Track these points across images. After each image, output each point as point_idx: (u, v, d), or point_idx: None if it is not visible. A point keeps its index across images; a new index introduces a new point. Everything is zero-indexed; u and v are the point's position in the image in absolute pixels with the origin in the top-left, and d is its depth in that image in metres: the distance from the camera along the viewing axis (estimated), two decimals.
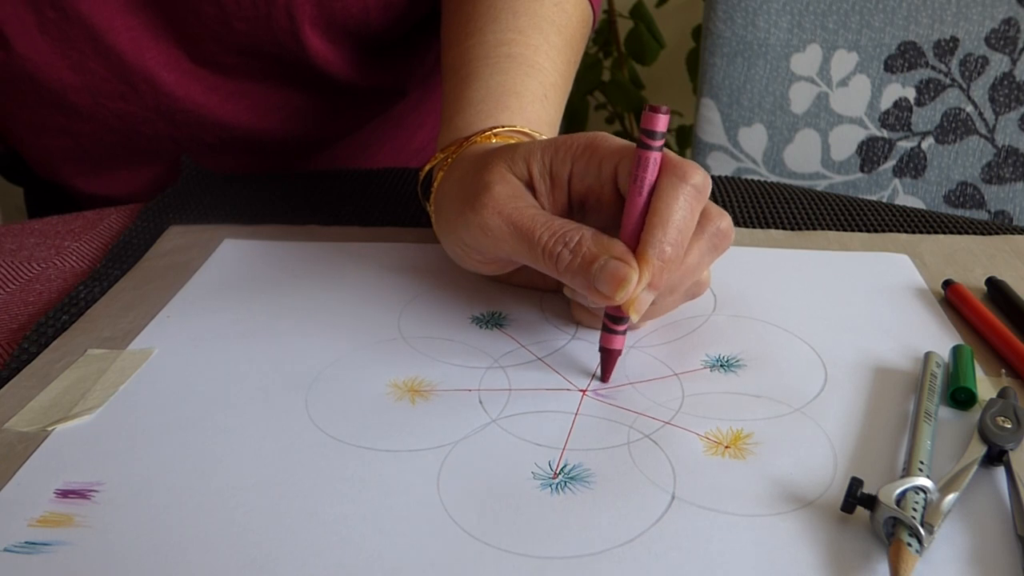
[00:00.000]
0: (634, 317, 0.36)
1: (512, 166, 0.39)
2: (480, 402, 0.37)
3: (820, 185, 0.91)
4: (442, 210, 0.43)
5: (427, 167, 0.46)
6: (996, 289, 0.44)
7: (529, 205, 0.38)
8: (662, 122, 0.36)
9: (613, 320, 0.38)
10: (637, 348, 0.41)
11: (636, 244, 0.36)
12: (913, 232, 0.52)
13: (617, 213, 0.38)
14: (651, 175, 0.36)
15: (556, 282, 0.44)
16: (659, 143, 0.36)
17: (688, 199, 0.36)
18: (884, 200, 0.88)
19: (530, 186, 0.39)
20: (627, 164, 0.37)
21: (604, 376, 0.38)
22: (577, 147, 0.39)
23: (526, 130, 0.46)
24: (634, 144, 0.37)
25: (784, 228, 0.53)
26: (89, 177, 0.72)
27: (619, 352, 0.38)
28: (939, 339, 0.41)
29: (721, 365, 0.39)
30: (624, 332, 0.38)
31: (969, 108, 0.87)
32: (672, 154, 0.37)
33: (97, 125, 0.65)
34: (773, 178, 0.92)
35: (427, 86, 0.79)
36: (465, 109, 0.47)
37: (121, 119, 0.65)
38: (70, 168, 0.72)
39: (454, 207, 0.41)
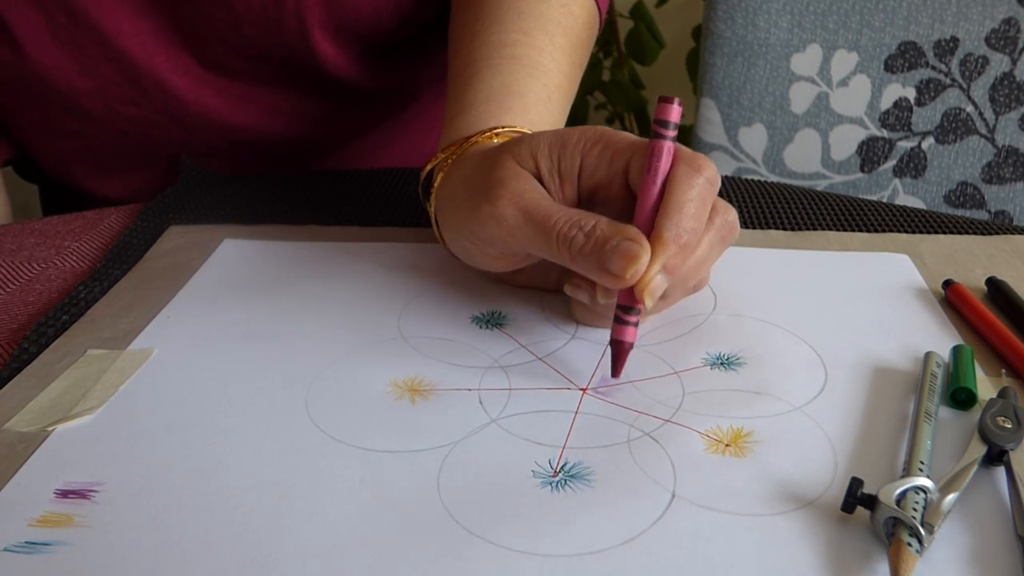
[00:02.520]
0: (648, 302, 0.36)
1: (521, 161, 0.39)
2: (480, 402, 0.37)
3: (820, 185, 0.91)
4: (446, 209, 0.43)
5: (428, 167, 0.46)
6: (996, 289, 0.44)
7: (543, 196, 0.38)
8: (675, 112, 0.37)
9: (625, 311, 0.37)
10: (637, 347, 0.41)
11: (650, 231, 0.36)
12: (913, 232, 0.52)
13: (626, 208, 0.38)
14: (665, 164, 0.37)
15: (557, 282, 0.44)
16: (672, 133, 0.37)
17: (701, 190, 0.36)
18: (884, 200, 0.88)
19: (538, 180, 0.39)
20: (639, 158, 0.37)
21: (615, 371, 0.38)
22: (586, 142, 0.39)
23: (527, 131, 0.45)
24: (644, 139, 0.38)
25: (784, 228, 0.53)
26: (99, 179, 0.73)
27: (631, 345, 0.38)
28: (939, 339, 0.41)
29: (721, 363, 0.39)
30: (636, 324, 0.38)
31: (969, 108, 0.87)
32: (685, 147, 0.37)
33: (108, 129, 0.66)
34: (773, 178, 0.92)
35: (437, 90, 0.79)
36: (467, 110, 0.47)
37: (131, 123, 0.65)
38: (80, 169, 0.72)
39: (464, 204, 0.41)
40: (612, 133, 0.39)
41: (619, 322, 0.38)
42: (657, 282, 0.36)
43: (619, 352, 0.38)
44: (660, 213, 0.36)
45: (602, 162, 0.38)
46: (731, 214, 0.39)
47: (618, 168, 0.38)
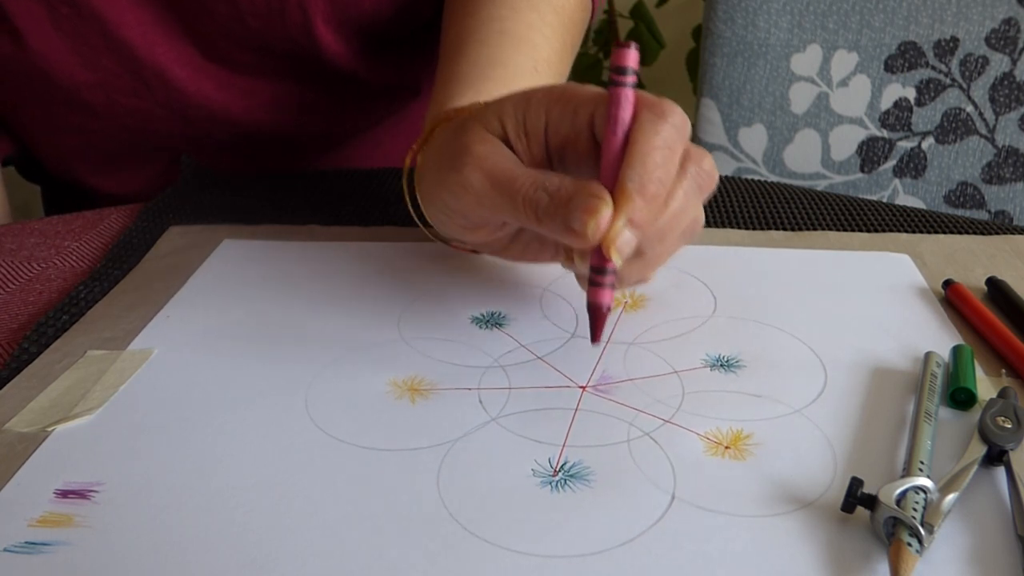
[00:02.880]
0: (616, 259, 0.34)
1: (487, 125, 0.38)
2: (480, 401, 0.37)
3: (820, 185, 0.91)
4: (421, 184, 0.42)
5: (408, 161, 0.46)
6: (996, 289, 0.44)
7: (509, 159, 0.37)
8: (632, 57, 0.35)
9: (597, 272, 0.35)
10: (637, 344, 0.41)
11: (615, 184, 0.34)
12: (913, 232, 0.52)
13: (597, 165, 0.36)
14: (625, 113, 0.35)
15: (552, 254, 0.42)
16: (631, 79, 0.35)
17: (666, 137, 0.34)
18: (884, 200, 0.88)
19: (506, 143, 0.38)
20: (603, 110, 0.35)
21: (594, 336, 0.37)
22: (551, 97, 0.37)
23: None
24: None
25: (784, 228, 0.53)
26: (101, 175, 0.73)
27: (607, 307, 0.36)
28: (939, 339, 0.41)
29: (721, 364, 0.39)
30: (611, 285, 0.36)
31: (969, 108, 0.87)
32: (649, 94, 0.36)
33: (110, 123, 0.66)
34: (773, 178, 0.92)
35: None
36: (450, 83, 0.47)
37: (133, 116, 0.65)
38: (82, 166, 0.72)
39: (434, 175, 0.40)
40: (577, 87, 0.37)
41: (593, 284, 0.36)
42: (625, 237, 0.34)
43: (595, 316, 0.36)
44: (623, 164, 0.34)
45: (566, 115, 0.37)
46: (706, 161, 0.37)
47: (583, 121, 0.36)
